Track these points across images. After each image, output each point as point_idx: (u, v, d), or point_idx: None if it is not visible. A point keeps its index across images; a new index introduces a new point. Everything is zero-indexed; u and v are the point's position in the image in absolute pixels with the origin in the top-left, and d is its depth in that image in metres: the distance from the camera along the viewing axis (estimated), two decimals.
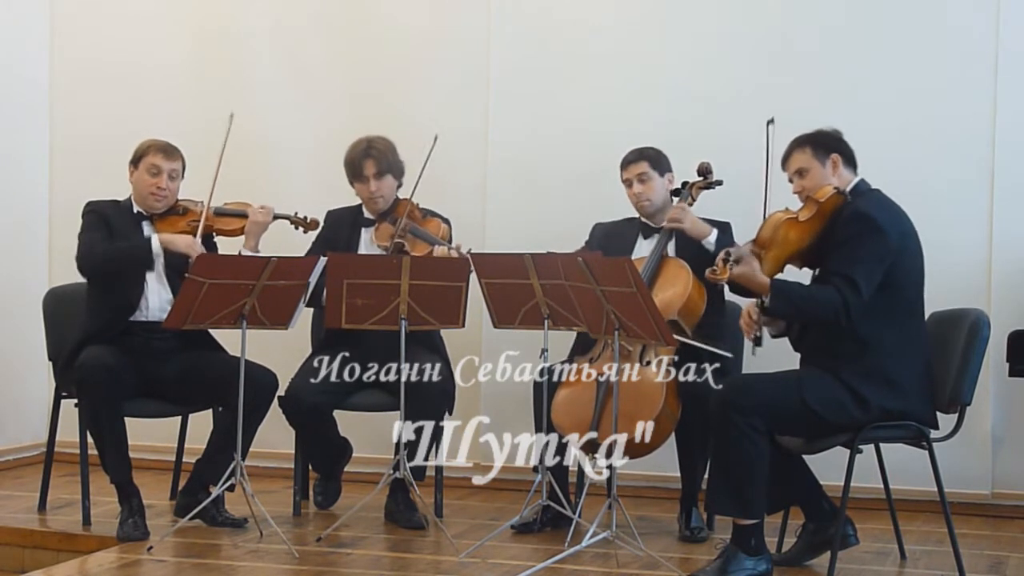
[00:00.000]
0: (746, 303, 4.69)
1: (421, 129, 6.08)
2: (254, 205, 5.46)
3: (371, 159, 5.58)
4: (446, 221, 5.63)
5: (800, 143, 4.73)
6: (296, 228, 5.58)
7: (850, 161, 4.72)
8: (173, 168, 5.38)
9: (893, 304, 4.54)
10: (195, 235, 5.32)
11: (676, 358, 5.08)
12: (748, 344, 4.69)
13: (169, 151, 5.39)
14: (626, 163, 5.46)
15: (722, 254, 4.55)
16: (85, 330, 5.33)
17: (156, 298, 5.34)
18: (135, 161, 5.40)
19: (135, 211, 5.42)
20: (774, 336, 4.71)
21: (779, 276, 4.60)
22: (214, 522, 5.29)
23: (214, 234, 5.50)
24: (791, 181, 4.75)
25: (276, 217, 5.48)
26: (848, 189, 4.64)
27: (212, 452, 5.30)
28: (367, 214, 5.71)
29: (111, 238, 5.34)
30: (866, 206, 4.56)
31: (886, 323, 4.52)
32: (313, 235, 5.67)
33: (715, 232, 5.31)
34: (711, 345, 5.13)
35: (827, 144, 4.70)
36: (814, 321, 4.59)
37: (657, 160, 5.43)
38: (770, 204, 4.75)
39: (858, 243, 4.49)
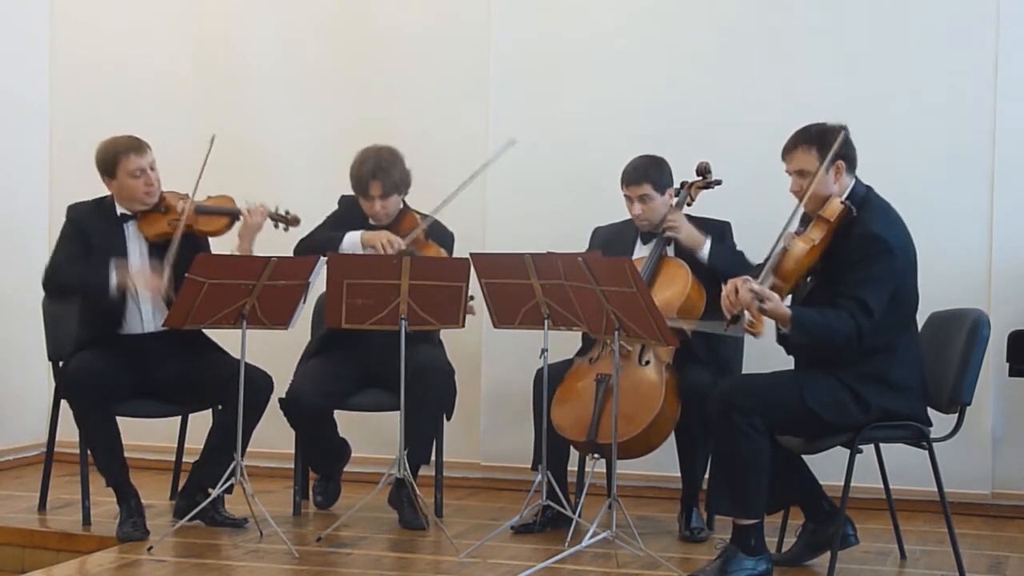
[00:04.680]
0: (733, 282, 4.49)
1: (421, 131, 6.11)
2: (246, 205, 5.37)
3: (377, 181, 5.50)
4: (449, 236, 5.58)
5: (807, 141, 4.60)
6: (276, 225, 5.47)
7: (852, 165, 4.63)
8: (151, 160, 5.32)
9: (896, 315, 4.53)
10: (175, 234, 5.23)
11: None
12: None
13: (139, 147, 5.30)
14: (628, 182, 5.35)
15: (753, 302, 4.34)
16: (78, 338, 5.32)
17: (149, 307, 5.30)
18: (109, 171, 5.30)
19: (119, 213, 5.36)
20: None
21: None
22: (213, 522, 5.29)
23: (195, 233, 5.41)
24: (789, 173, 4.69)
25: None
26: (847, 194, 4.58)
27: (208, 454, 5.30)
28: (372, 220, 5.69)
29: (90, 248, 5.27)
30: (874, 224, 4.49)
31: (889, 332, 4.52)
32: (295, 231, 5.56)
33: (708, 243, 5.27)
34: (707, 328, 5.11)
35: (832, 147, 4.56)
36: (828, 347, 4.52)
37: (659, 180, 5.33)
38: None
39: (869, 266, 4.44)
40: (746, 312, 4.39)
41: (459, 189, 5.40)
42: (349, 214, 5.67)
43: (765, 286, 4.41)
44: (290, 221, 5.50)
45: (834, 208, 4.52)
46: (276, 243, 5.49)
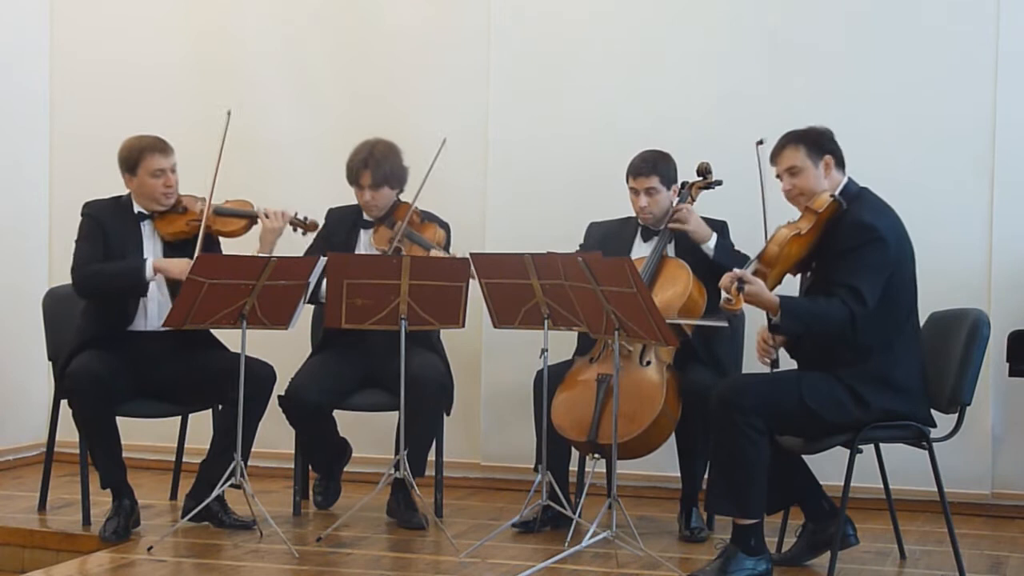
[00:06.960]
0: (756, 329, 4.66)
1: (421, 129, 6.09)
2: (264, 208, 5.38)
3: (368, 170, 5.54)
4: (444, 226, 5.61)
5: (793, 140, 4.68)
6: (295, 230, 5.52)
7: (840, 162, 4.68)
8: (173, 163, 5.34)
9: (891, 309, 4.54)
10: (196, 236, 5.26)
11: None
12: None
13: (163, 148, 5.32)
14: (636, 174, 5.37)
15: (733, 283, 4.39)
16: (82, 336, 5.30)
17: (156, 306, 5.30)
18: (131, 168, 5.31)
19: (136, 211, 5.38)
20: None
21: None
22: (223, 524, 5.28)
23: (212, 234, 5.45)
24: (779, 178, 4.72)
25: None
26: (839, 191, 4.62)
27: (216, 453, 5.27)
28: (367, 216, 5.71)
29: (107, 246, 5.28)
30: (865, 214, 4.54)
31: (884, 328, 4.52)
32: (312, 236, 5.65)
33: (715, 237, 5.29)
34: (704, 319, 5.13)
35: (821, 144, 4.66)
36: (822, 335, 4.57)
37: (667, 174, 5.36)
38: (769, 221, 4.75)
39: (861, 254, 4.47)
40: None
41: (414, 199, 5.48)
42: (337, 226, 5.69)
43: (748, 271, 4.47)
44: (308, 226, 5.51)
45: (823, 200, 4.56)
46: (297, 246, 5.58)
